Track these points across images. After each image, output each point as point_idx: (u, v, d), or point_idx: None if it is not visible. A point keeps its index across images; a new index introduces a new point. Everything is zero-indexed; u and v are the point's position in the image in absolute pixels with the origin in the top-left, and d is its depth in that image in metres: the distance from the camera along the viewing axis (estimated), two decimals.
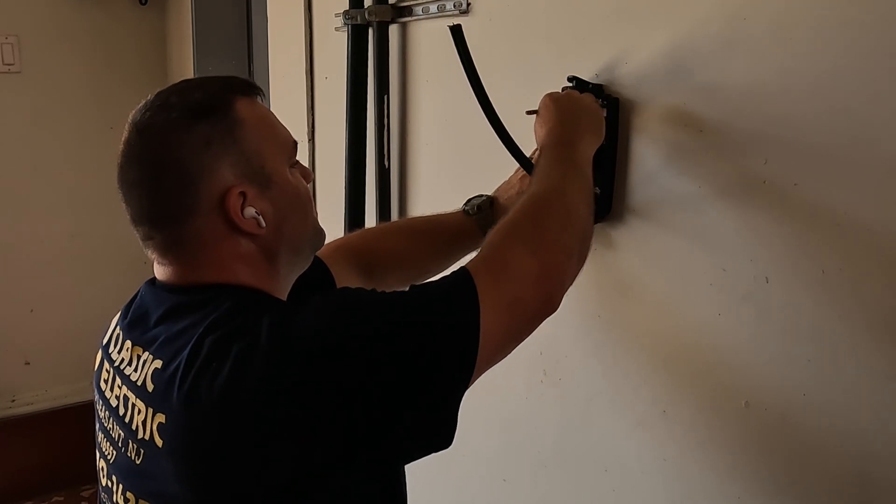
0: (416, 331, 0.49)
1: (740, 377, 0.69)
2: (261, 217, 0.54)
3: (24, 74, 1.79)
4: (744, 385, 0.69)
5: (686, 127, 0.71)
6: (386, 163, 1.05)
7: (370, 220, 1.08)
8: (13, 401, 1.88)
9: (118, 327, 0.60)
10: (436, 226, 0.82)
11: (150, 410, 0.51)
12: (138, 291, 0.61)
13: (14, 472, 1.80)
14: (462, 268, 0.54)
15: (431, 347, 0.49)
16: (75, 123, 1.87)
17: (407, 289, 0.53)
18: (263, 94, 0.58)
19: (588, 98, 0.72)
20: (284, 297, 0.59)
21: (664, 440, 0.76)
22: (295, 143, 0.59)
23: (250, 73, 1.59)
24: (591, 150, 0.68)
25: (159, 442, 0.50)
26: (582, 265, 0.61)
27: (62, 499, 1.85)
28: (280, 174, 0.56)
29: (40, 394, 1.91)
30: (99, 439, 0.59)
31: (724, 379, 0.71)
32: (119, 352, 0.58)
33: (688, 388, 0.74)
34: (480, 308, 0.50)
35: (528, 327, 0.55)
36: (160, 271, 0.57)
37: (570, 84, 0.78)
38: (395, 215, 1.08)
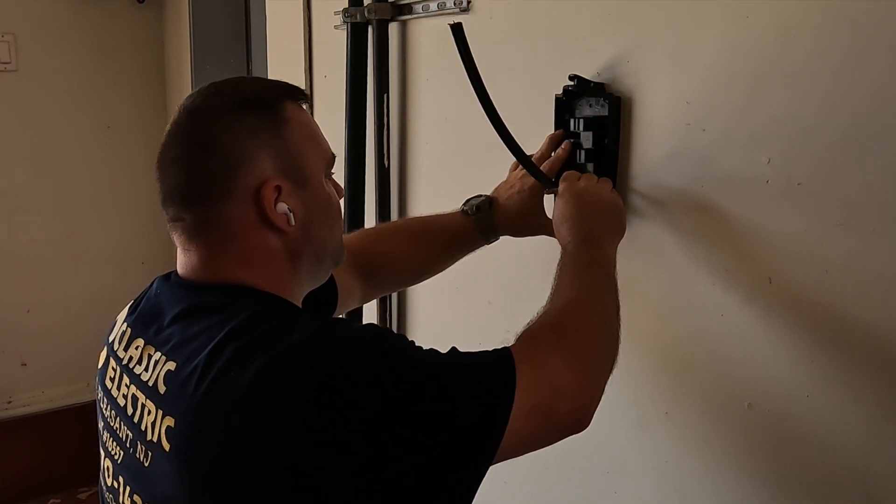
0: (445, 403, 0.48)
1: (743, 378, 0.69)
2: (291, 214, 0.54)
3: (20, 73, 1.78)
4: (746, 386, 0.69)
5: (688, 126, 0.70)
6: (385, 162, 1.05)
7: (369, 219, 1.08)
8: (9, 402, 1.87)
9: (125, 324, 0.59)
10: (434, 227, 0.82)
11: (160, 413, 0.51)
12: (150, 287, 0.60)
13: (11, 474, 1.79)
14: (507, 354, 0.52)
15: (455, 424, 0.48)
16: (72, 122, 1.86)
17: (446, 351, 0.52)
18: (311, 104, 0.59)
19: (607, 188, 0.71)
20: (299, 303, 0.58)
21: (666, 442, 0.76)
22: (334, 157, 0.60)
23: (248, 72, 1.58)
24: (615, 248, 0.67)
25: (166, 446, 0.49)
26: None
27: (59, 501, 1.84)
28: (316, 178, 0.57)
29: (37, 395, 1.90)
30: (104, 438, 0.58)
31: (727, 380, 0.70)
32: (127, 350, 0.57)
33: (690, 389, 0.74)
34: (514, 404, 0.50)
35: (552, 439, 0.54)
36: (183, 261, 0.56)
37: (572, 83, 0.77)
38: (394, 215, 1.07)
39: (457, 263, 0.84)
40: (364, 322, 0.57)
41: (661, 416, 0.76)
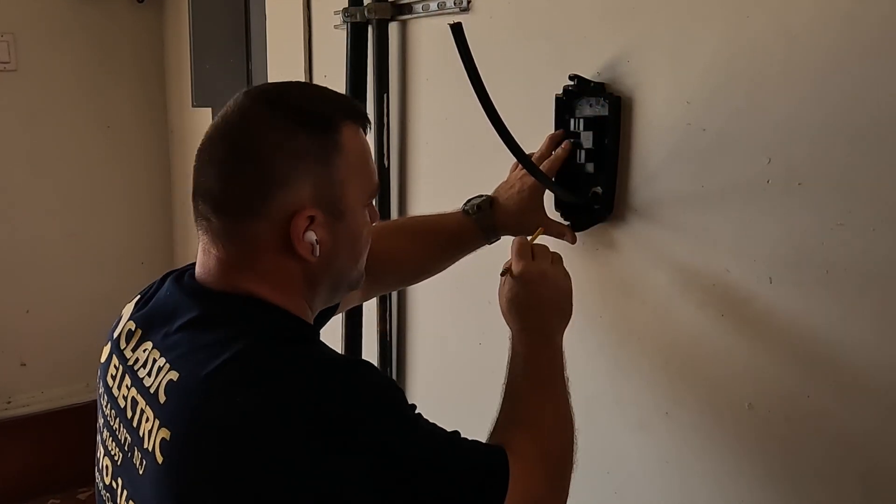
0: (435, 493, 0.49)
1: (743, 379, 0.69)
2: (318, 246, 0.53)
3: (19, 73, 1.78)
4: (747, 387, 0.68)
5: (689, 126, 0.70)
6: (385, 162, 1.05)
7: None
8: (9, 402, 1.87)
9: (132, 321, 0.58)
10: (435, 226, 0.82)
11: (157, 423, 0.50)
12: (161, 284, 0.59)
13: (10, 475, 1.79)
14: (504, 465, 0.52)
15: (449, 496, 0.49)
16: (71, 122, 1.86)
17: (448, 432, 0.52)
18: (371, 126, 0.57)
19: (560, 272, 0.67)
20: (311, 319, 0.58)
21: (666, 442, 0.75)
22: (378, 186, 0.59)
23: (248, 71, 1.58)
24: (562, 337, 0.66)
25: (159, 458, 0.49)
26: None
27: (58, 501, 1.84)
28: (353, 212, 0.55)
29: (36, 395, 1.89)
30: (104, 437, 0.58)
31: (727, 380, 0.70)
32: (134, 351, 0.56)
33: (690, 389, 0.74)
34: None
35: None
36: (202, 261, 0.55)
37: (572, 82, 0.77)
38: (394, 214, 1.07)
39: (457, 263, 0.84)
40: (374, 366, 0.59)
41: (662, 417, 0.76)
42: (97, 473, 0.59)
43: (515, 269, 0.65)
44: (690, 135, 0.70)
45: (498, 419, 0.59)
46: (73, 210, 1.89)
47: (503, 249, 0.83)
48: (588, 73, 0.77)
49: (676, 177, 0.72)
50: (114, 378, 0.57)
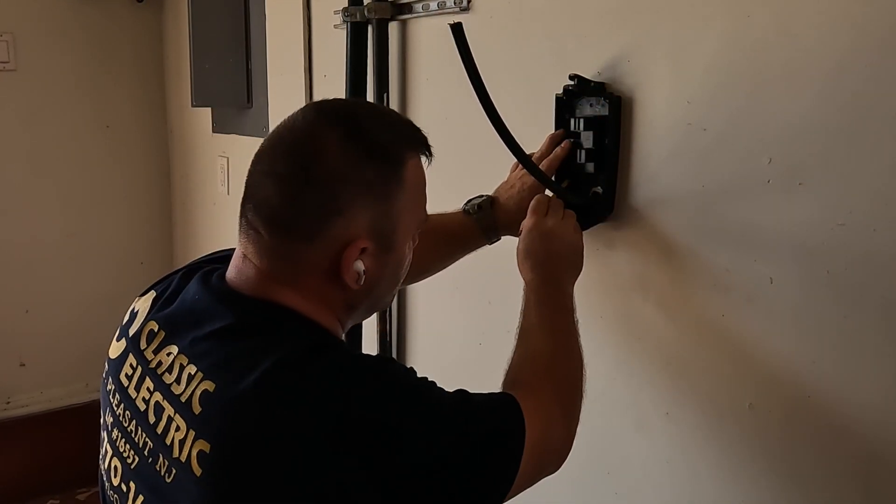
0: (467, 455, 0.51)
1: (744, 379, 0.69)
2: (364, 276, 0.53)
3: (19, 72, 1.77)
4: (748, 386, 0.68)
5: (689, 126, 0.70)
6: None
7: None
8: (8, 403, 1.86)
9: (153, 321, 0.56)
10: (436, 226, 0.81)
11: (192, 433, 0.49)
12: (182, 282, 0.58)
13: (9, 475, 1.78)
14: (517, 408, 0.54)
15: (473, 477, 0.51)
16: (71, 122, 1.85)
17: (457, 394, 0.53)
18: (432, 157, 0.57)
19: (571, 226, 0.72)
20: (342, 335, 0.58)
21: (667, 442, 0.75)
22: (427, 218, 0.59)
23: (248, 71, 1.58)
24: (573, 287, 0.70)
25: (197, 471, 0.48)
26: None
27: (58, 501, 1.83)
28: (401, 245, 0.56)
29: (35, 396, 1.89)
30: (114, 437, 0.56)
31: (728, 381, 0.70)
32: (156, 353, 0.54)
33: (691, 389, 0.74)
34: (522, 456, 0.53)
35: (533, 482, 0.56)
36: (239, 268, 0.54)
37: (572, 82, 0.77)
38: None
39: (457, 263, 0.84)
40: (396, 362, 0.63)
41: (662, 417, 0.76)
42: (102, 473, 0.58)
43: (528, 222, 0.71)
44: (691, 135, 0.70)
45: (512, 359, 0.62)
46: (73, 210, 1.89)
47: (503, 249, 0.83)
48: (588, 73, 0.77)
49: (677, 177, 0.72)
50: (129, 378, 0.55)
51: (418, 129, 0.56)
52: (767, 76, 0.64)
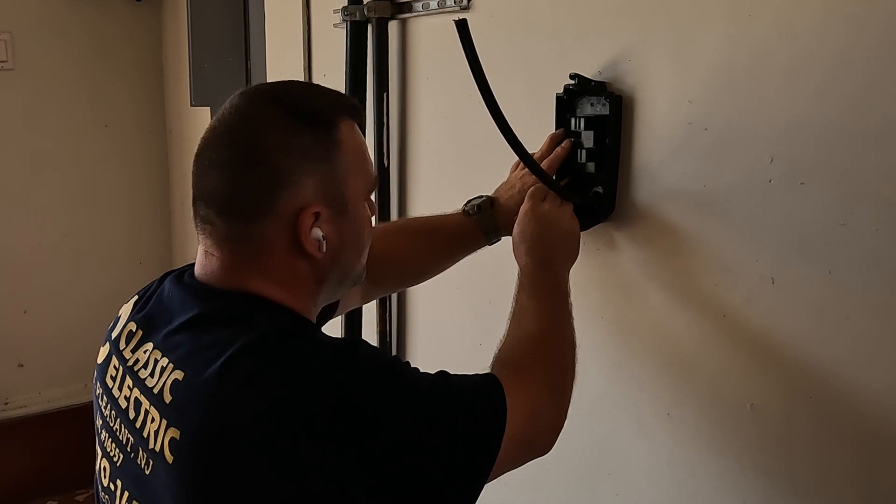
0: (447, 435, 0.51)
1: (745, 379, 0.68)
2: (325, 242, 0.53)
3: (17, 72, 1.77)
4: (749, 387, 0.68)
5: (690, 125, 0.70)
6: (385, 162, 1.04)
7: None
8: (6, 403, 1.86)
9: (132, 322, 0.58)
10: (436, 227, 0.81)
11: (165, 423, 0.50)
12: (160, 285, 0.59)
13: (8, 476, 1.78)
14: (497, 386, 0.54)
15: (454, 455, 0.51)
16: (69, 121, 1.85)
17: (438, 376, 0.53)
18: (365, 121, 0.58)
19: (568, 213, 0.73)
20: (314, 317, 0.58)
21: (668, 443, 0.75)
22: (377, 179, 0.60)
23: (247, 70, 1.57)
24: (568, 273, 0.71)
25: (169, 458, 0.48)
26: None
27: (56, 502, 1.83)
28: (355, 205, 0.56)
29: (34, 396, 1.89)
30: (102, 438, 0.57)
31: (729, 381, 0.70)
32: (134, 352, 0.56)
33: (692, 390, 0.74)
34: (504, 435, 0.52)
35: (520, 464, 0.57)
36: (204, 264, 0.55)
37: (573, 81, 0.77)
38: (394, 215, 1.07)
39: (457, 264, 0.83)
40: (368, 343, 0.60)
41: (663, 418, 0.75)
42: (96, 477, 0.59)
43: (525, 206, 0.72)
44: (692, 134, 0.70)
45: (503, 340, 0.63)
46: (71, 210, 1.88)
47: (504, 250, 0.83)
48: (589, 72, 0.77)
49: (678, 176, 0.72)
50: (113, 379, 0.57)
51: (348, 97, 0.58)
52: (769, 75, 0.63)
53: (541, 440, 0.58)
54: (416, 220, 0.89)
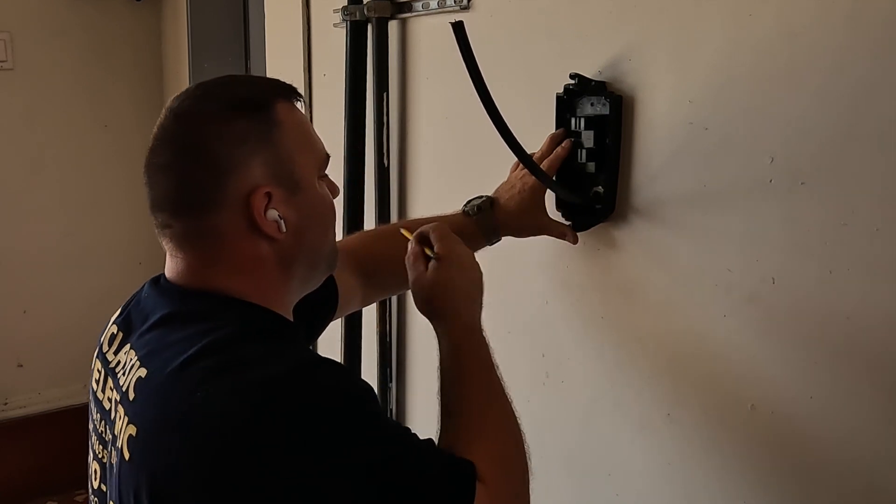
0: (400, 491, 0.48)
1: (746, 380, 0.68)
2: (282, 221, 0.53)
3: (16, 72, 1.77)
4: (749, 388, 0.68)
5: (691, 125, 0.70)
6: (385, 161, 1.04)
7: (369, 219, 1.07)
8: (6, 404, 1.86)
9: (115, 325, 0.59)
10: None
11: (126, 420, 0.50)
12: (140, 289, 0.60)
13: (7, 476, 1.78)
14: (469, 476, 0.50)
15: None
16: (69, 121, 1.85)
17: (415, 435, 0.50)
18: (304, 101, 0.58)
19: (468, 260, 0.63)
20: (290, 311, 0.57)
21: (668, 444, 0.75)
22: (328, 156, 0.58)
23: (247, 70, 1.57)
24: (480, 325, 0.63)
25: (127, 454, 0.49)
26: None
27: (56, 503, 1.83)
28: (308, 182, 0.55)
29: (33, 396, 1.89)
30: (93, 440, 0.58)
31: (730, 381, 0.70)
32: (116, 353, 0.56)
33: (692, 390, 0.74)
34: None
35: None
36: (171, 266, 0.56)
37: (573, 81, 0.77)
38: (394, 215, 1.07)
39: None
40: (344, 366, 0.56)
41: (664, 418, 0.75)
42: (89, 481, 0.59)
43: (445, 249, 0.61)
44: (692, 134, 0.70)
45: (446, 430, 0.56)
46: (71, 210, 1.88)
47: (504, 250, 0.83)
48: (589, 72, 0.76)
49: (678, 176, 0.72)
50: (98, 382, 0.58)
51: (279, 81, 0.57)
52: (769, 75, 0.63)
53: None
54: (414, 221, 0.89)
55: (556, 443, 0.86)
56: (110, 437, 0.54)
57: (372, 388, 0.51)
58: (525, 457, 0.57)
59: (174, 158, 0.53)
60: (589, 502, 0.84)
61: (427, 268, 0.62)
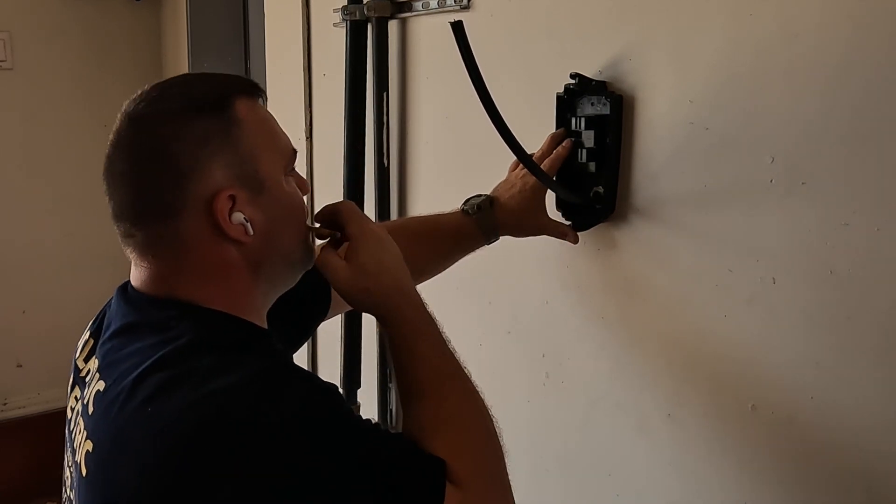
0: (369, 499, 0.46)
1: (746, 380, 0.68)
2: (249, 224, 0.51)
3: (15, 71, 1.77)
4: (750, 388, 0.68)
5: (691, 125, 0.70)
6: (385, 161, 1.04)
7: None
8: (5, 404, 1.86)
9: (89, 331, 0.58)
10: (435, 226, 0.81)
11: (84, 434, 0.49)
12: (112, 297, 0.59)
13: (7, 476, 1.78)
14: (440, 475, 0.48)
15: None
16: (68, 121, 1.85)
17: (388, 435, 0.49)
18: (266, 97, 0.56)
19: (385, 234, 0.57)
20: (263, 315, 0.55)
21: (669, 444, 0.75)
22: (294, 152, 0.56)
23: (247, 70, 1.57)
24: (421, 300, 0.59)
25: (84, 470, 0.48)
26: None
27: (55, 503, 1.83)
28: (274, 181, 0.53)
29: (32, 397, 1.88)
30: (66, 448, 0.58)
31: (731, 381, 0.70)
32: (86, 361, 0.56)
33: (693, 390, 0.73)
34: None
35: None
36: (136, 275, 0.54)
37: (573, 81, 0.77)
38: (394, 214, 1.06)
39: (457, 263, 0.83)
40: (311, 373, 0.53)
41: (664, 418, 0.75)
42: (63, 490, 0.59)
43: (356, 228, 0.55)
44: (693, 134, 0.70)
45: (409, 419, 0.54)
46: (70, 210, 1.88)
47: (504, 250, 0.82)
48: (589, 72, 0.76)
49: (679, 176, 0.72)
50: (71, 389, 0.58)
51: (239, 76, 0.55)
52: (770, 75, 0.63)
53: None
54: (415, 219, 0.89)
55: (556, 443, 0.86)
56: (72, 448, 0.53)
57: (334, 389, 0.49)
58: (493, 436, 0.54)
59: (132, 165, 0.51)
60: (589, 502, 0.83)
61: (345, 257, 0.55)
